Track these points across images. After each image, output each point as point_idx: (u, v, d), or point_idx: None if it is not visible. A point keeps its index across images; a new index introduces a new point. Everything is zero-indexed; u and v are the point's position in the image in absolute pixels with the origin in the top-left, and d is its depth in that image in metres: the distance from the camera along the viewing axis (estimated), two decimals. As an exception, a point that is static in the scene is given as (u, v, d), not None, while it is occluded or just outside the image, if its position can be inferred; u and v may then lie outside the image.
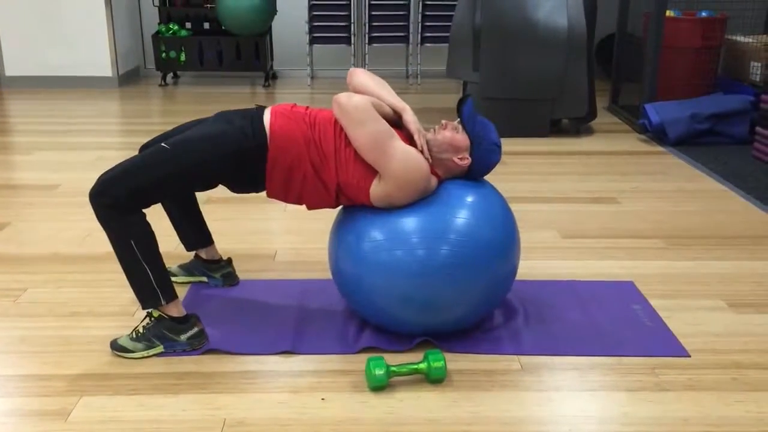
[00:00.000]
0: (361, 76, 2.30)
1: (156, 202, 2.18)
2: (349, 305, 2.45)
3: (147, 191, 2.14)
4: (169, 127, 2.43)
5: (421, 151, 2.17)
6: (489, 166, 2.26)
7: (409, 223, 2.15)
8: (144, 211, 2.17)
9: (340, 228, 2.30)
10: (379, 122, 2.11)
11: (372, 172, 2.15)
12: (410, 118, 2.23)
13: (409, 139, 2.21)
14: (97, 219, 2.14)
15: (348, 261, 2.22)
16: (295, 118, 2.22)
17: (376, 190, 2.15)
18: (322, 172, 2.19)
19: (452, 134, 2.20)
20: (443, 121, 2.25)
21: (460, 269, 2.13)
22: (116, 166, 2.17)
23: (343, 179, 2.18)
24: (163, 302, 2.19)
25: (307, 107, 2.29)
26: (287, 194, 2.26)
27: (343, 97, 2.12)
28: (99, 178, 2.15)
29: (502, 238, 2.20)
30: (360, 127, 2.10)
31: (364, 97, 2.15)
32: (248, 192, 2.31)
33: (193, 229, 2.62)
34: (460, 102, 2.26)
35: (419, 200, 2.18)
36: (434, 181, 2.21)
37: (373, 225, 2.18)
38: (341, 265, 2.26)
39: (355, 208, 2.26)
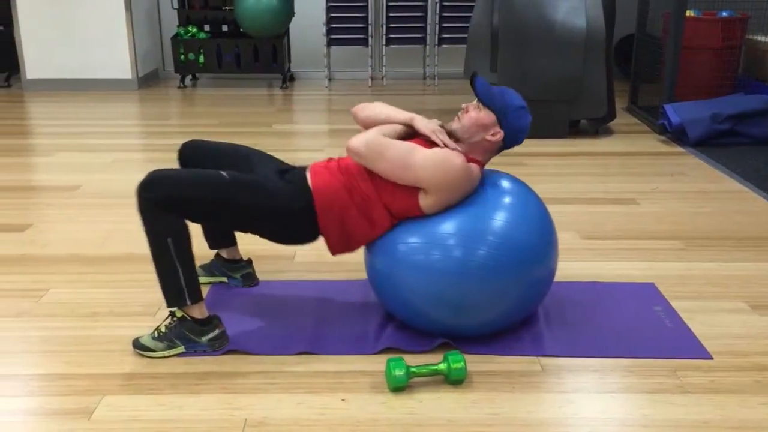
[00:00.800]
0: (361, 111, 2.35)
1: (190, 218, 2.20)
2: (380, 305, 2.48)
3: (188, 206, 2.16)
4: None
5: (446, 146, 2.18)
6: (523, 129, 2.25)
7: (447, 224, 2.15)
8: None
9: None
10: (394, 146, 2.14)
11: (414, 190, 2.17)
12: (420, 124, 2.25)
13: (430, 144, 2.22)
14: (138, 210, 2.16)
15: (384, 260, 2.23)
16: (330, 172, 2.26)
17: (426, 203, 2.17)
18: (371, 212, 2.22)
19: (476, 114, 2.21)
20: (463, 105, 2.26)
21: (497, 271, 2.12)
22: (172, 170, 2.21)
23: (395, 209, 2.21)
24: (188, 302, 2.20)
25: (339, 159, 2.33)
26: (350, 244, 2.29)
27: (352, 142, 2.16)
28: (153, 172, 2.18)
29: (538, 241, 2.20)
30: (379, 160, 2.14)
31: (369, 132, 2.18)
32: (290, 244, 2.35)
33: (220, 229, 2.64)
34: (472, 81, 2.25)
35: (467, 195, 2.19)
36: (476, 168, 2.19)
37: (410, 226, 2.20)
38: (377, 263, 2.27)
39: None
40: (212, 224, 2.30)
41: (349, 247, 2.31)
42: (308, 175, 2.28)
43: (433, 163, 2.11)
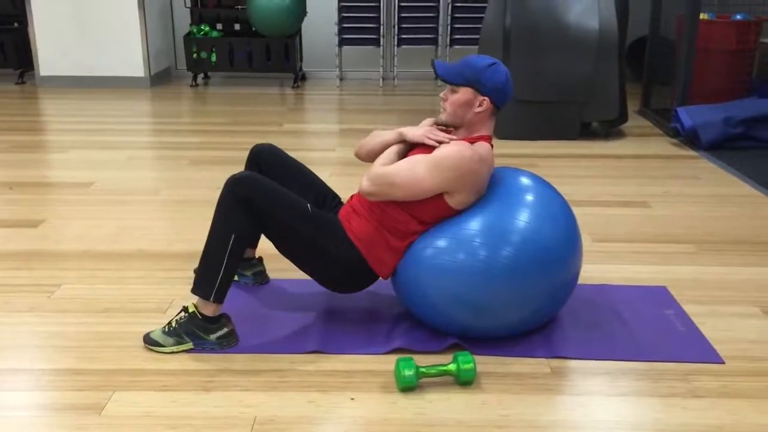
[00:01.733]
0: (361, 150, 2.40)
1: (260, 228, 2.24)
2: (392, 305, 2.48)
3: (264, 217, 2.20)
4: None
5: (440, 143, 2.19)
6: (503, 83, 2.20)
7: (472, 223, 2.15)
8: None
9: None
10: (398, 170, 2.15)
11: (439, 197, 2.17)
12: (409, 134, 2.28)
13: (428, 147, 2.23)
14: (219, 198, 2.20)
15: (408, 260, 2.23)
16: (358, 211, 2.29)
17: (454, 201, 2.17)
18: (405, 228, 2.23)
19: (453, 97, 2.21)
20: (441, 95, 2.26)
21: (521, 271, 2.12)
22: (267, 179, 2.24)
23: (429, 218, 2.21)
24: (211, 299, 2.22)
25: (355, 197, 2.35)
26: (391, 264, 2.29)
27: (362, 186, 2.20)
28: (248, 172, 2.23)
29: (564, 243, 2.19)
30: (393, 190, 2.16)
31: (371, 170, 2.19)
32: (355, 290, 2.40)
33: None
34: (433, 68, 2.25)
35: (481, 199, 2.20)
36: (484, 147, 2.19)
37: (435, 225, 2.20)
38: (401, 264, 2.26)
39: None
40: (273, 242, 2.36)
41: (393, 268, 2.31)
42: (343, 223, 2.30)
43: (439, 167, 2.11)
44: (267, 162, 2.49)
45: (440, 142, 2.20)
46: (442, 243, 2.16)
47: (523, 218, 2.15)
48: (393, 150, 2.27)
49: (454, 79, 2.20)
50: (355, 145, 2.25)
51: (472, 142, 2.19)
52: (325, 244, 2.24)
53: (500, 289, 2.13)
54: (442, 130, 2.26)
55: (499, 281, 2.12)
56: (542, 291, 2.19)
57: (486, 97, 2.19)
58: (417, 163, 2.15)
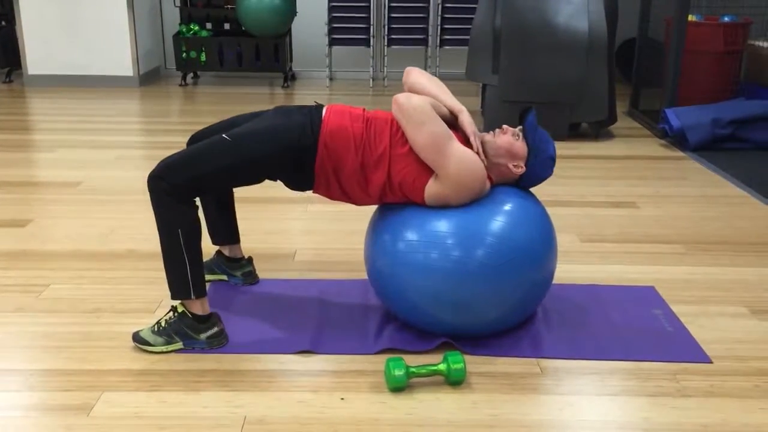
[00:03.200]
0: (417, 75, 2.31)
1: (210, 192, 2.19)
2: (382, 305, 2.48)
3: (205, 180, 2.16)
4: (188, 128, 2.47)
5: (477, 153, 2.18)
6: (541, 178, 2.28)
7: (446, 223, 2.15)
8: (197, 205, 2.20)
9: (376, 226, 2.31)
10: (438, 123, 2.12)
11: (427, 171, 2.16)
12: (467, 120, 2.25)
13: (466, 141, 2.22)
14: (150, 202, 2.17)
15: (384, 259, 2.23)
16: (351, 116, 2.24)
17: (432, 190, 2.16)
18: (370, 171, 2.20)
19: (512, 140, 2.22)
20: (504, 126, 2.26)
21: (495, 271, 2.13)
22: (177, 153, 2.19)
23: (396, 178, 2.19)
24: (192, 296, 2.20)
25: (364, 109, 2.30)
26: (330, 190, 2.27)
27: (402, 97, 2.13)
28: (160, 162, 2.17)
29: (538, 243, 2.20)
30: (419, 127, 2.11)
31: (422, 97, 2.16)
32: (303, 190, 2.31)
33: (225, 224, 2.64)
34: (525, 111, 2.27)
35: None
36: (488, 184, 2.21)
37: (410, 225, 2.20)
38: (377, 263, 2.27)
39: (393, 207, 2.27)
40: (232, 186, 2.27)
41: (329, 193, 2.27)
42: (324, 111, 2.25)
43: (464, 161, 2.11)
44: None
45: (477, 150, 2.20)
46: (415, 240, 2.16)
47: (497, 218, 2.15)
48: (443, 109, 2.24)
49: (531, 133, 2.23)
50: (416, 76, 2.20)
51: None
52: (264, 149, 2.16)
53: (475, 288, 2.14)
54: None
55: (473, 281, 2.12)
56: (517, 290, 2.19)
57: (525, 169, 2.23)
58: (454, 139, 2.13)
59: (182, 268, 2.18)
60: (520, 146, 2.22)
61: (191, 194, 2.18)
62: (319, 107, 2.27)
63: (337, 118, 2.22)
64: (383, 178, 2.20)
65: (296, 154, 2.19)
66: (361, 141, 2.20)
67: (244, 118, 2.37)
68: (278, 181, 2.30)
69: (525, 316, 2.32)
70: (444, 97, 2.27)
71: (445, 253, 2.13)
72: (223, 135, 2.19)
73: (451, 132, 2.15)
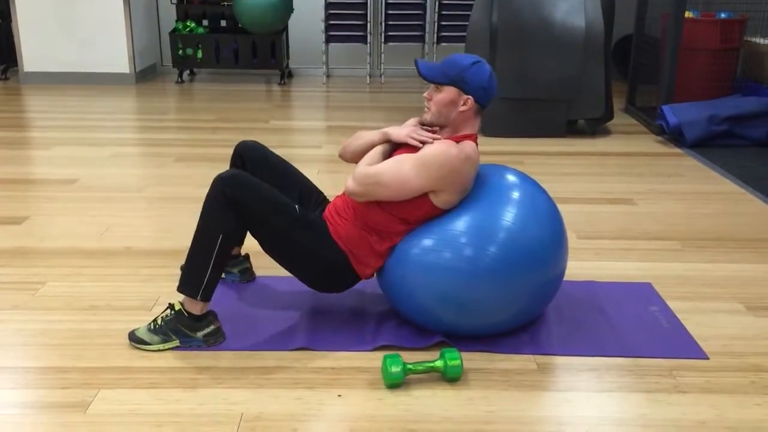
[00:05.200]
0: (345, 151, 2.39)
1: (248, 226, 2.22)
2: (379, 302, 2.48)
3: (251, 216, 2.18)
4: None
5: (424, 142, 2.19)
6: (487, 82, 2.19)
7: (458, 222, 2.15)
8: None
9: None
10: (383, 170, 2.14)
11: (425, 197, 2.17)
12: (394, 134, 2.27)
13: (414, 147, 2.22)
14: (206, 197, 2.18)
15: (395, 259, 2.23)
16: (341, 214, 2.28)
17: (440, 200, 2.17)
18: (389, 229, 2.23)
19: (437, 96, 2.20)
20: (424, 94, 2.25)
21: (507, 270, 2.13)
22: (255, 179, 2.22)
23: (414, 218, 2.21)
24: (198, 298, 2.20)
25: (343, 193, 2.32)
26: (374, 265, 2.29)
27: (348, 186, 2.18)
28: (235, 171, 2.20)
29: (550, 241, 2.20)
30: (378, 190, 2.15)
31: (356, 170, 2.18)
32: (339, 290, 2.37)
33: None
34: (416, 69, 2.25)
35: (466, 198, 2.20)
36: (469, 146, 2.18)
37: (420, 226, 2.20)
38: (388, 262, 2.26)
39: None
40: (260, 242, 2.33)
41: (376, 269, 2.31)
42: (328, 226, 2.29)
43: (425, 166, 2.11)
44: (252, 159, 2.48)
45: (424, 142, 2.20)
46: (428, 242, 2.16)
47: (509, 217, 2.15)
48: (378, 150, 2.26)
49: (437, 78, 2.20)
50: (343, 142, 2.23)
51: (457, 141, 2.19)
52: (310, 244, 2.24)
53: (486, 288, 2.13)
54: (427, 130, 2.26)
55: (485, 280, 2.12)
56: (528, 290, 2.19)
57: (470, 96, 2.19)
58: (403, 162, 2.14)
59: (204, 269, 2.18)
60: (445, 92, 2.19)
61: (240, 213, 2.18)
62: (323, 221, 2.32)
63: (337, 229, 2.26)
64: (402, 226, 2.22)
65: (335, 266, 2.27)
66: (365, 226, 2.24)
67: (292, 173, 2.49)
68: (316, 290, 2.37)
69: (535, 315, 2.32)
70: (367, 138, 2.32)
71: (458, 251, 2.12)
72: (296, 206, 2.24)
73: (397, 159, 2.16)
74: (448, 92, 2.19)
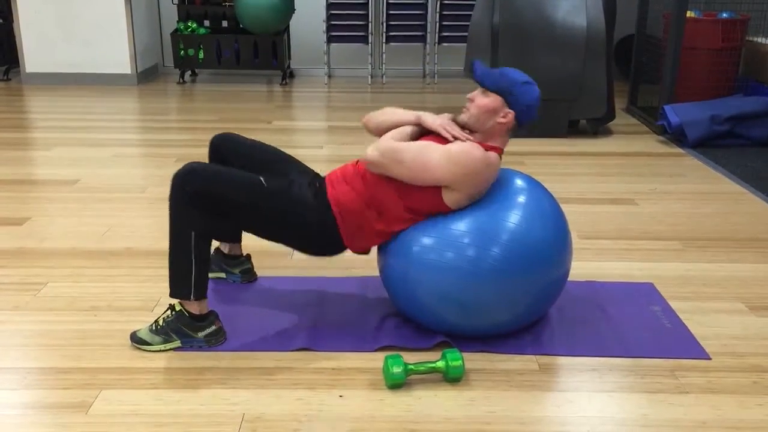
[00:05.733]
0: (372, 120, 2.35)
1: (217, 215, 2.19)
2: (380, 302, 2.48)
3: (219, 203, 2.16)
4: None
5: (457, 138, 2.17)
6: (532, 103, 2.20)
7: (461, 223, 2.15)
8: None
9: None
10: (408, 149, 2.13)
11: (436, 187, 2.15)
12: (428, 120, 2.24)
13: (444, 140, 2.20)
14: (169, 198, 2.17)
15: (398, 258, 2.22)
16: (349, 180, 2.26)
17: (451, 198, 2.15)
18: (389, 213, 2.21)
19: (482, 101, 2.19)
20: (468, 95, 2.23)
21: (510, 271, 2.12)
22: (212, 164, 2.21)
23: (419, 209, 2.19)
24: (192, 298, 2.20)
25: (357, 163, 2.30)
26: (364, 243, 2.28)
27: (368, 154, 2.16)
28: (190, 163, 2.18)
29: (553, 242, 2.19)
30: (397, 166, 2.13)
31: (381, 140, 2.17)
32: (318, 255, 2.35)
33: (240, 230, 2.63)
34: (471, 68, 2.23)
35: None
36: (494, 156, 2.17)
37: (425, 225, 2.19)
38: (391, 261, 2.26)
39: None
40: (237, 225, 2.32)
41: (366, 247, 2.31)
42: (326, 187, 2.27)
43: (450, 160, 2.10)
44: (228, 149, 2.44)
45: (455, 137, 2.18)
46: (430, 241, 2.16)
47: (512, 219, 2.15)
48: (406, 129, 2.24)
49: (489, 83, 2.19)
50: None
51: (485, 149, 2.17)
52: (288, 209, 2.20)
53: (489, 288, 2.13)
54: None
55: (488, 281, 2.12)
56: (531, 291, 2.19)
57: (512, 111, 2.18)
58: (429, 148, 2.13)
59: (187, 269, 2.17)
60: (491, 99, 2.18)
61: (207, 205, 2.16)
62: (322, 181, 2.29)
63: (338, 191, 2.24)
64: (404, 214, 2.21)
65: (314, 230, 2.23)
66: (369, 201, 2.22)
67: (281, 157, 2.43)
68: (296, 250, 2.34)
69: (536, 317, 2.31)
70: (402, 116, 2.28)
71: (460, 252, 2.12)
72: (262, 179, 2.21)
73: (423, 144, 2.15)
74: (494, 100, 2.18)
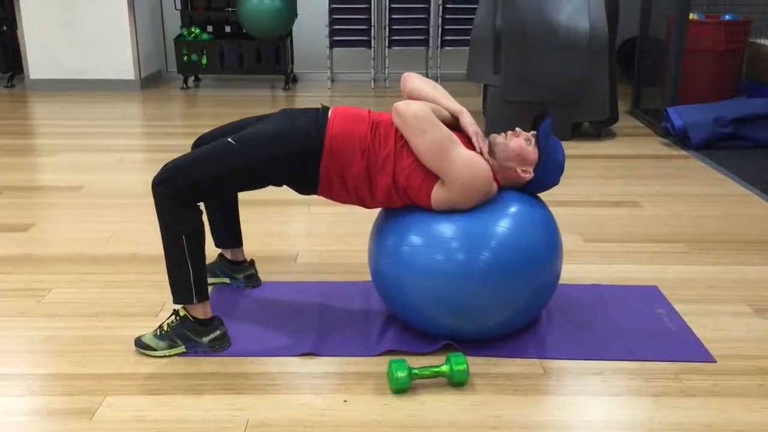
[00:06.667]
0: (416, 81, 2.29)
1: (215, 196, 2.18)
2: (384, 307, 2.48)
3: (208, 184, 2.16)
4: (190, 131, 2.47)
5: (482, 154, 2.17)
6: (548, 185, 2.25)
7: (451, 227, 2.14)
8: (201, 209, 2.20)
9: (381, 230, 2.30)
10: (440, 129, 2.11)
11: (433, 175, 2.14)
12: (468, 121, 2.23)
13: (469, 142, 2.20)
14: (155, 206, 2.16)
15: (388, 263, 2.22)
16: (356, 119, 2.22)
17: (439, 195, 2.14)
18: (375, 174, 2.18)
19: (524, 145, 2.18)
20: (517, 129, 2.21)
21: (500, 275, 2.12)
22: (181, 157, 2.19)
23: (402, 182, 2.17)
24: (195, 301, 2.20)
25: (369, 111, 2.28)
26: (334, 193, 2.25)
27: (401, 105, 2.12)
28: (163, 167, 2.17)
29: (543, 245, 2.19)
30: (421, 135, 2.10)
31: (422, 103, 2.14)
32: (308, 193, 2.30)
33: (229, 228, 2.63)
34: (540, 116, 2.24)
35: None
36: (495, 187, 2.19)
37: (414, 228, 2.18)
38: (381, 266, 2.26)
39: (397, 210, 2.26)
40: (235, 191, 2.24)
41: (334, 197, 2.26)
42: (329, 114, 2.23)
43: (469, 164, 2.09)
44: (205, 142, 2.39)
45: (481, 151, 2.18)
46: (419, 243, 2.15)
47: (502, 222, 2.14)
48: (445, 112, 2.22)
49: (543, 139, 2.19)
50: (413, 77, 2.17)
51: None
52: (267, 152, 2.15)
53: (480, 292, 2.13)
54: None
55: (479, 284, 2.11)
56: (523, 294, 2.18)
57: (533, 174, 2.19)
58: (457, 143, 2.11)
59: (185, 273, 2.17)
60: (532, 151, 2.18)
61: (194, 199, 2.18)
62: (325, 110, 2.26)
63: (341, 122, 2.20)
64: (388, 181, 2.18)
65: (301, 158, 2.18)
66: (367, 145, 2.18)
67: (249, 122, 2.36)
68: (284, 186, 2.29)
69: (528, 320, 2.31)
70: (443, 100, 2.26)
71: (450, 256, 2.12)
72: (228, 139, 2.18)
73: (454, 136, 2.14)
74: (533, 153, 2.18)
